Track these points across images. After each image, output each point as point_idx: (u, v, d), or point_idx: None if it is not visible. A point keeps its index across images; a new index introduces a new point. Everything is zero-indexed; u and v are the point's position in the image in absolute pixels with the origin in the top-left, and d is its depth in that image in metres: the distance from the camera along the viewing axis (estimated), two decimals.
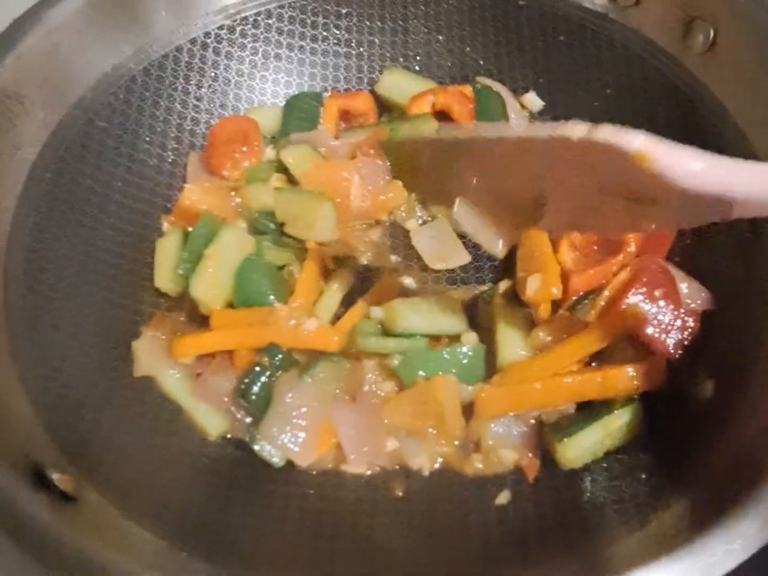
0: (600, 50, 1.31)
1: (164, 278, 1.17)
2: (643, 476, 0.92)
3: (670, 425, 0.97)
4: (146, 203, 1.24)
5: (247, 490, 0.97)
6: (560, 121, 0.69)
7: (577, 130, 0.66)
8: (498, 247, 1.02)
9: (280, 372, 1.02)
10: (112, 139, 1.22)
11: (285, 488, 0.98)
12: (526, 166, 0.80)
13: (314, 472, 1.01)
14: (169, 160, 1.30)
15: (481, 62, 1.42)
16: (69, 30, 1.13)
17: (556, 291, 1.10)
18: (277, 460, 0.99)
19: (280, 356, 1.03)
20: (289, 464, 1.00)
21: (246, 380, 1.01)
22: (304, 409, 0.99)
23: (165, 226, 1.25)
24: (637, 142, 0.63)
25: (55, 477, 0.77)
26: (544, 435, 1.01)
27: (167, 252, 1.18)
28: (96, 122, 1.19)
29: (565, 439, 0.95)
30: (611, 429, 0.97)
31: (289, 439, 0.98)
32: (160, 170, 1.28)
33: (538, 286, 1.11)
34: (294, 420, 0.98)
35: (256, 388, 1.01)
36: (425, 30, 1.43)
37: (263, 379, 1.01)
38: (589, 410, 1.00)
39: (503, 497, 0.96)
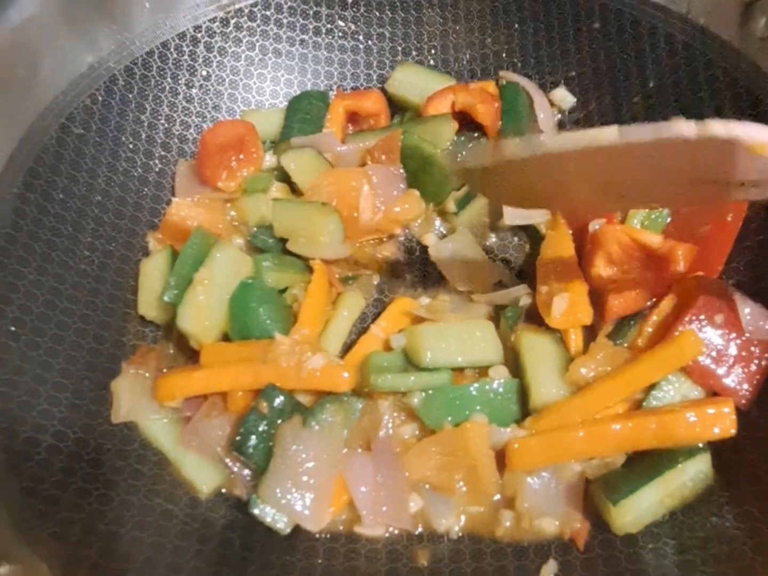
0: (641, 39, 1.16)
1: (149, 305, 1.03)
2: (724, 549, 0.76)
3: (753, 481, 0.82)
4: (130, 219, 1.11)
5: (241, 561, 0.82)
6: (657, 123, 0.64)
7: (686, 129, 0.63)
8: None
9: (281, 420, 0.88)
10: (90, 147, 1.08)
11: (287, 558, 0.83)
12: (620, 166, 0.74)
13: (322, 536, 0.86)
14: (156, 169, 1.16)
15: (505, 55, 1.28)
16: (35, 26, 0.99)
17: (582, 316, 0.95)
18: (282, 525, 0.84)
19: (280, 400, 0.88)
20: (294, 528, 0.85)
21: (241, 431, 0.86)
22: (311, 464, 0.84)
23: (151, 244, 1.11)
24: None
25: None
26: (592, 491, 0.86)
27: (153, 274, 1.04)
28: (71, 129, 1.06)
29: (621, 501, 0.80)
30: (673, 487, 0.82)
31: (296, 501, 0.83)
32: (145, 181, 1.14)
33: (565, 309, 0.96)
34: (300, 477, 0.84)
35: (253, 440, 0.86)
36: (441, 20, 1.29)
37: (261, 428, 0.86)
38: (642, 462, 0.85)
39: (549, 570, 0.80)
